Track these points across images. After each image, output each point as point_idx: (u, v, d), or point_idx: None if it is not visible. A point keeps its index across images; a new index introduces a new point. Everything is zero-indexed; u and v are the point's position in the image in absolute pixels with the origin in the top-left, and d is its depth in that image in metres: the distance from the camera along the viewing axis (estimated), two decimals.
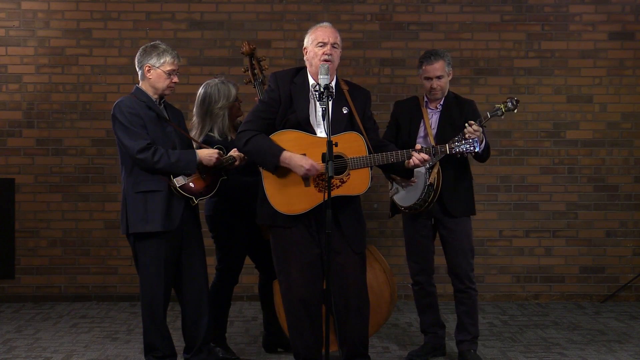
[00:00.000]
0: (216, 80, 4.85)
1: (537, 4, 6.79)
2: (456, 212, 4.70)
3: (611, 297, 6.70)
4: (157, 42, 4.46)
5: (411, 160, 4.11)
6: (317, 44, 4.11)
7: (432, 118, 4.76)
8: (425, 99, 4.80)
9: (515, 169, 6.75)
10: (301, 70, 4.23)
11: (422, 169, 4.57)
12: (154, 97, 4.39)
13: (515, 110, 4.57)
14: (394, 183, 4.76)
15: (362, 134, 4.10)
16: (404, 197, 4.73)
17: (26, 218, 6.68)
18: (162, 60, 4.34)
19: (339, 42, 4.15)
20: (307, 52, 4.18)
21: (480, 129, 4.46)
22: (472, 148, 4.18)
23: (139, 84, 4.42)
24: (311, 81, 4.17)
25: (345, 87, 4.22)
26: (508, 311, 6.37)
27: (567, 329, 5.74)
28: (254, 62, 5.05)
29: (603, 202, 6.79)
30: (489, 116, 4.54)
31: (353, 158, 4.04)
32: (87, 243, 6.70)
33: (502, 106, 4.54)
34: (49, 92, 6.70)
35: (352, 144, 4.05)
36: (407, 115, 4.81)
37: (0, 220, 6.63)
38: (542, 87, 6.80)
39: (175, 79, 4.40)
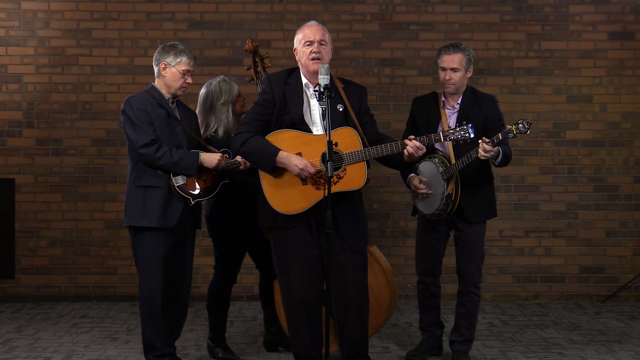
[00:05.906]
0: (217, 79, 4.86)
1: (537, 4, 6.78)
2: (475, 218, 4.66)
3: (611, 297, 6.70)
4: (176, 42, 4.55)
5: (405, 150, 4.07)
6: (305, 44, 4.14)
7: (450, 118, 4.67)
8: (443, 98, 4.72)
9: (515, 169, 6.74)
10: (294, 71, 4.25)
11: (440, 179, 4.54)
12: (167, 96, 4.46)
13: (528, 132, 4.38)
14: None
15: (357, 129, 4.10)
16: (424, 204, 4.68)
17: (26, 218, 6.68)
18: (178, 60, 4.41)
19: (326, 39, 4.15)
20: (297, 52, 4.21)
21: (493, 149, 4.35)
22: (467, 134, 4.08)
23: (154, 82, 4.49)
24: (304, 80, 4.19)
25: (340, 85, 4.23)
26: (508, 311, 6.37)
27: (567, 329, 5.74)
28: (257, 60, 5.03)
29: (603, 202, 6.79)
30: (500, 137, 4.41)
31: (348, 153, 4.04)
32: (87, 243, 6.70)
33: (513, 128, 4.38)
34: (49, 92, 6.69)
35: (347, 139, 4.05)
36: (425, 115, 4.73)
37: (0, 220, 6.64)
38: (542, 87, 6.80)
39: (189, 80, 4.47)
